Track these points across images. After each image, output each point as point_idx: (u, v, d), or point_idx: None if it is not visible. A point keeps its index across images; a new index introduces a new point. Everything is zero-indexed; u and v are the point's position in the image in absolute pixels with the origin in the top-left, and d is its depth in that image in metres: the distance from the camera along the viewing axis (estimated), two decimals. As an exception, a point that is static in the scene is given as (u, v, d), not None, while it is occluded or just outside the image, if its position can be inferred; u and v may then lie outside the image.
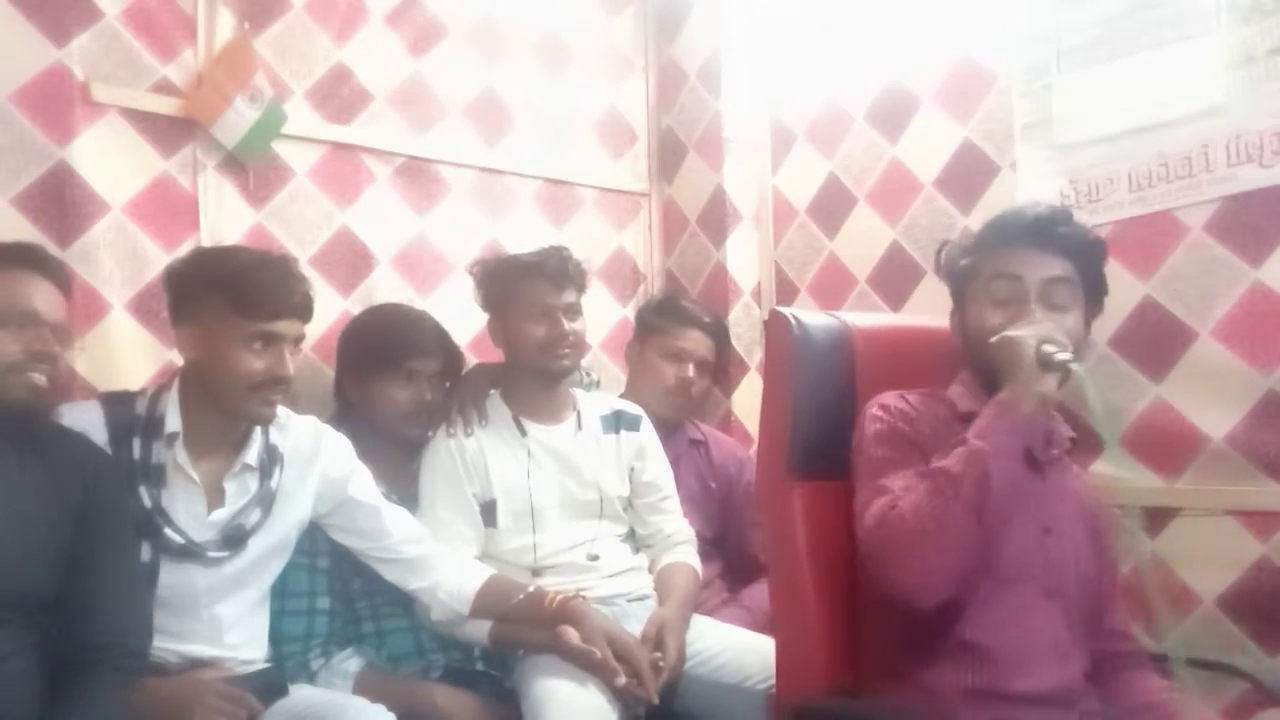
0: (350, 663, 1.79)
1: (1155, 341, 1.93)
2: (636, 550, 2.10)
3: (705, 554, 2.18)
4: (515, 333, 2.02)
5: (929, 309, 2.20)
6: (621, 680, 1.71)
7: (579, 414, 2.09)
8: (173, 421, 1.62)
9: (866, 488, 1.48)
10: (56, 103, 1.91)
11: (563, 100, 2.69)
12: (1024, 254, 1.48)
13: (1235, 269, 1.84)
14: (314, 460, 1.75)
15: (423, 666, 1.87)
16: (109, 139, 1.98)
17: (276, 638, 1.76)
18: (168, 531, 1.58)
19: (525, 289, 2.01)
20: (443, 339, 2.11)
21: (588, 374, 2.36)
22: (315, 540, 1.81)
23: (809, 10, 2.60)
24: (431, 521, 1.91)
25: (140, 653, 1.52)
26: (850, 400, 1.60)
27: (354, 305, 2.26)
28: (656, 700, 1.73)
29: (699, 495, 2.32)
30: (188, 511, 1.62)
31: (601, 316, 2.66)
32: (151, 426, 1.62)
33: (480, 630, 1.82)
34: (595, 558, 1.99)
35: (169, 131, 2.06)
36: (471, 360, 2.22)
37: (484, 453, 1.98)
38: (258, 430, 1.70)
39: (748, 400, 2.64)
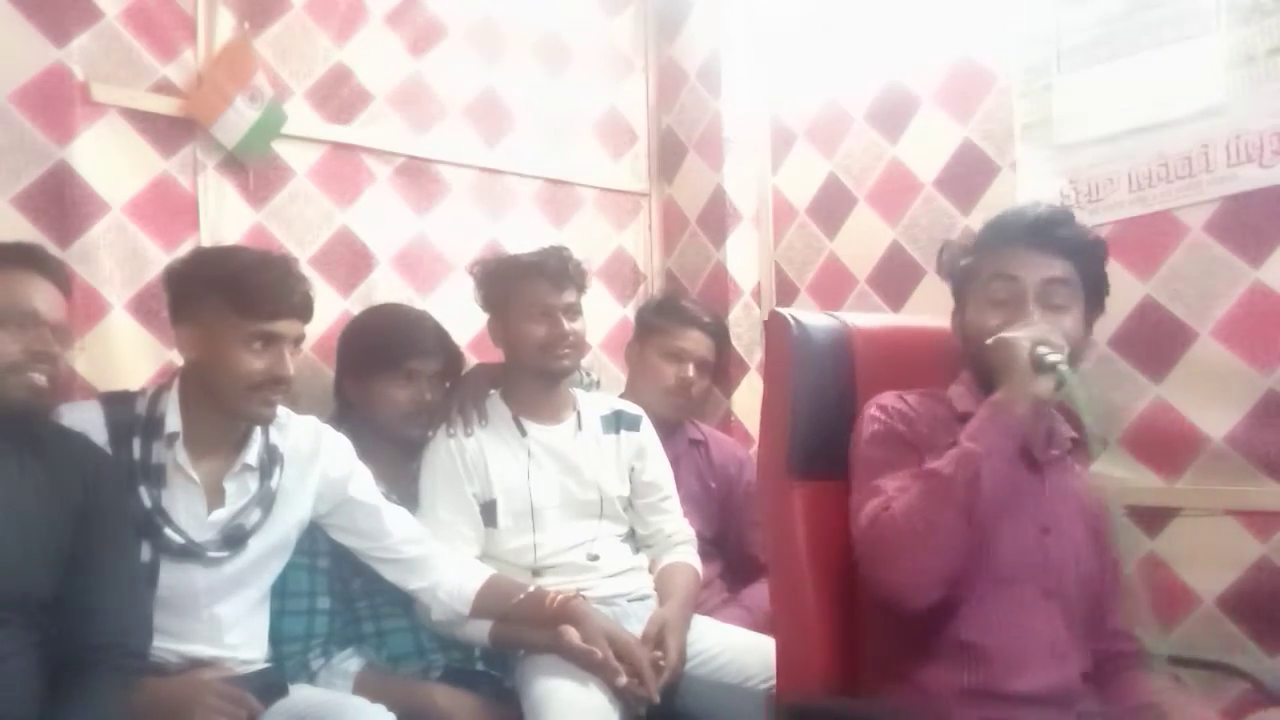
0: (350, 663, 1.79)
1: (1155, 341, 1.93)
2: (637, 550, 2.10)
3: (705, 554, 2.18)
4: (515, 333, 2.02)
5: (929, 309, 2.20)
6: (622, 680, 1.71)
7: (579, 414, 2.09)
8: (173, 421, 1.62)
9: (861, 488, 1.49)
10: (56, 103, 1.91)
11: (563, 100, 2.69)
12: (1023, 255, 1.48)
13: (1235, 269, 1.84)
14: (314, 460, 1.75)
15: (423, 666, 1.87)
16: (109, 139, 1.98)
17: (276, 638, 1.76)
18: (168, 531, 1.58)
19: (525, 289, 2.01)
20: (443, 339, 2.11)
21: (588, 374, 2.36)
22: (315, 540, 1.81)
23: (809, 10, 2.60)
24: (431, 521, 1.91)
25: (140, 653, 1.52)
26: (850, 400, 1.60)
27: (354, 305, 2.26)
28: (657, 699, 1.73)
29: (699, 495, 2.32)
30: (188, 511, 1.62)
31: (601, 316, 2.66)
32: (151, 426, 1.62)
33: (480, 630, 1.82)
34: (595, 558, 1.99)
35: (169, 131, 2.06)
36: (471, 360, 2.22)
37: (484, 453, 1.98)
38: (258, 430, 1.69)
39: (748, 400, 2.64)
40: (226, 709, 1.49)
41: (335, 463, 1.78)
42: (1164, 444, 1.91)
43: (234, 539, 1.64)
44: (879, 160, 2.43)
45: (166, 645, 1.58)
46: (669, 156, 2.87)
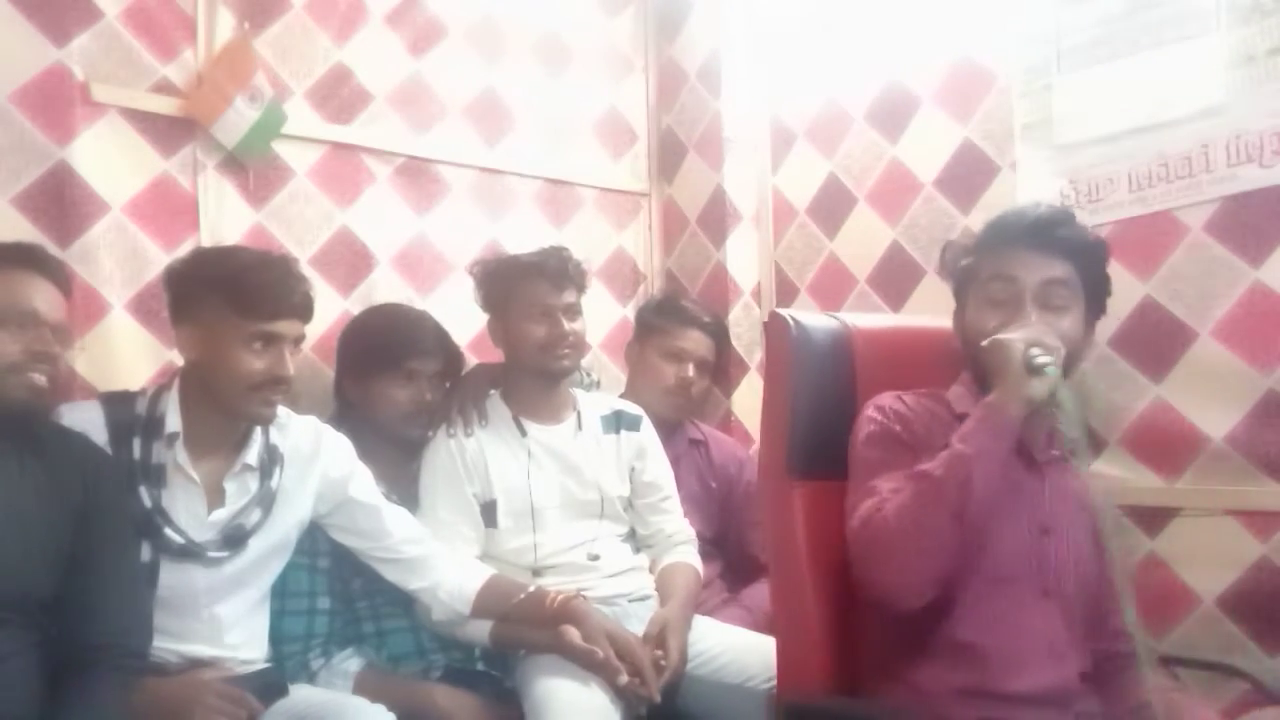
0: (350, 663, 1.79)
1: (1155, 341, 1.93)
2: (637, 550, 2.10)
3: (705, 554, 2.18)
4: (515, 333, 2.01)
5: (929, 309, 2.21)
6: (624, 679, 1.71)
7: (579, 414, 2.09)
8: (173, 421, 1.62)
9: (857, 489, 1.49)
10: (56, 103, 1.91)
11: (563, 100, 2.69)
12: (1022, 256, 1.48)
13: (1235, 269, 1.84)
14: (314, 460, 1.75)
15: (423, 666, 1.87)
16: (109, 139, 1.98)
17: (277, 638, 1.76)
18: (168, 531, 1.58)
19: (525, 289, 2.01)
20: (443, 339, 2.11)
21: (588, 374, 2.36)
22: (316, 540, 1.81)
23: (809, 10, 2.60)
24: (432, 521, 1.91)
25: (140, 653, 1.52)
26: (850, 400, 1.60)
27: (354, 305, 2.26)
28: (658, 698, 1.73)
29: (699, 495, 2.32)
30: (188, 511, 1.62)
31: (601, 316, 2.66)
32: (152, 426, 1.62)
33: (481, 630, 1.82)
34: (596, 558, 1.99)
35: (169, 131, 2.06)
36: (471, 360, 2.22)
37: (484, 453, 1.98)
38: (258, 430, 1.69)
39: (748, 400, 2.64)
40: (226, 709, 1.49)
41: (335, 463, 1.78)
42: (1164, 444, 1.91)
43: (234, 539, 1.64)
44: (879, 160, 2.43)
45: (166, 645, 1.58)
46: (669, 156, 2.87)
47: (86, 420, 1.59)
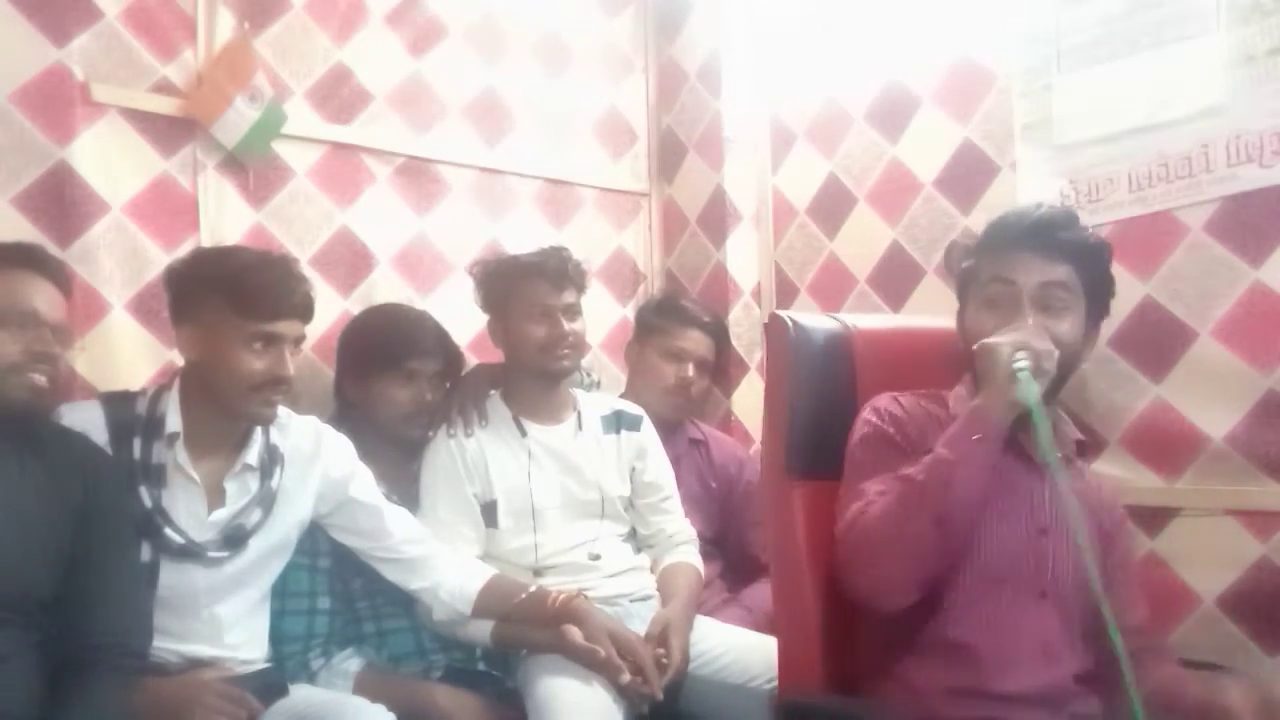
0: (350, 663, 1.79)
1: (1155, 341, 1.92)
2: (638, 550, 2.10)
3: (706, 554, 2.17)
4: (515, 333, 2.02)
5: (929, 309, 2.21)
6: (626, 677, 1.71)
7: (579, 414, 2.09)
8: (173, 421, 1.62)
9: (848, 491, 1.50)
10: (56, 103, 1.91)
11: (563, 100, 2.69)
12: (1022, 258, 1.47)
13: (1235, 269, 1.84)
14: (315, 460, 1.75)
15: (424, 667, 1.87)
16: (109, 139, 1.98)
17: (277, 638, 1.76)
18: (168, 531, 1.58)
19: (525, 289, 2.01)
20: (443, 339, 2.11)
21: (588, 374, 2.36)
22: (316, 540, 1.81)
23: (809, 10, 2.60)
24: (432, 522, 1.91)
25: (140, 653, 1.52)
26: (850, 401, 1.60)
27: (354, 305, 2.25)
28: (661, 696, 1.73)
29: (699, 495, 2.32)
30: (188, 511, 1.62)
31: (601, 316, 2.66)
32: (152, 426, 1.62)
33: (482, 630, 1.82)
34: (597, 557, 1.99)
35: (169, 131, 2.05)
36: (471, 360, 2.22)
37: (484, 453, 1.98)
38: (258, 430, 1.69)
39: (748, 400, 2.64)
40: (226, 709, 1.49)
41: (336, 463, 1.78)
42: (1164, 444, 1.91)
43: (234, 539, 1.64)
44: (879, 160, 2.43)
45: (167, 645, 1.58)
46: (669, 156, 2.87)
47: (87, 420, 1.59)
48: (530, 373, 2.03)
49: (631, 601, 1.96)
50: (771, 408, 1.64)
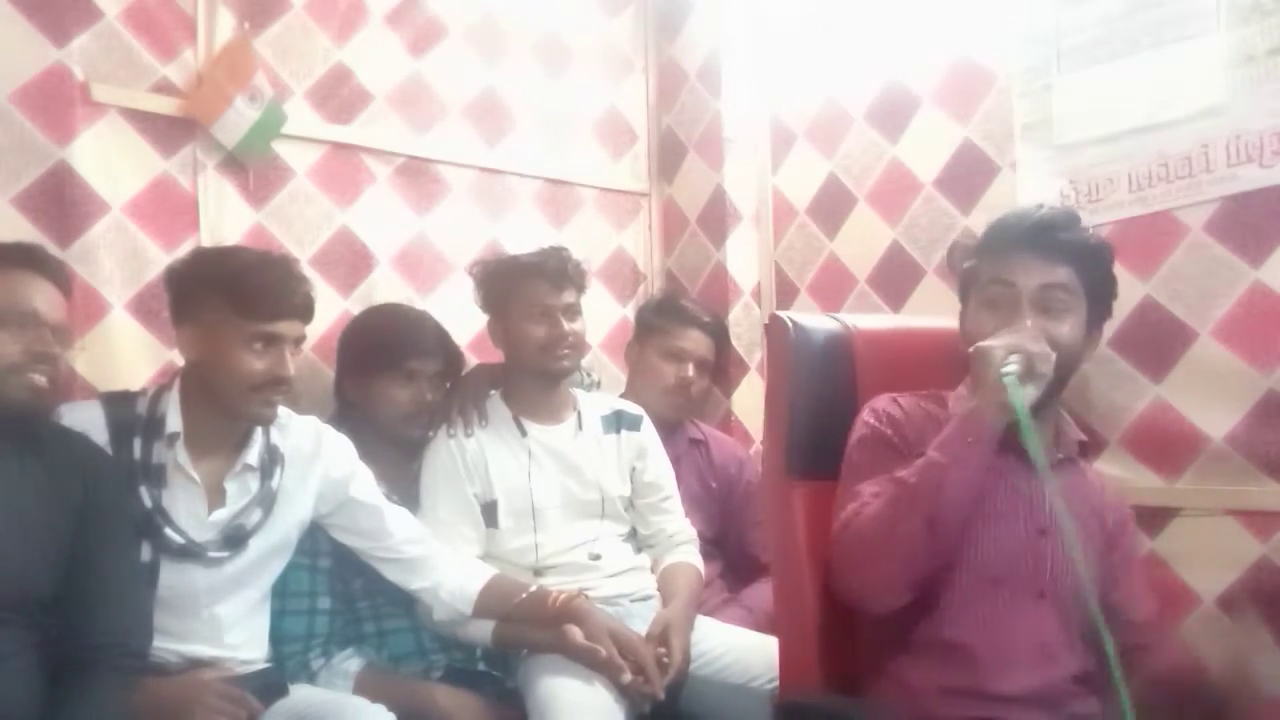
0: (351, 663, 1.79)
1: (1155, 341, 1.92)
2: (638, 550, 2.10)
3: (706, 554, 2.17)
4: (515, 333, 2.02)
5: (929, 309, 2.21)
6: (627, 677, 1.71)
7: (579, 414, 2.09)
8: (173, 421, 1.62)
9: (844, 492, 1.50)
10: (56, 103, 1.91)
11: (563, 100, 2.69)
12: (1022, 259, 1.46)
13: (1235, 269, 1.84)
14: (315, 460, 1.75)
15: (424, 667, 1.87)
16: (109, 139, 1.98)
17: (277, 638, 1.76)
18: (168, 531, 1.58)
19: (525, 289, 2.01)
20: (443, 339, 2.11)
21: (588, 374, 2.36)
22: (316, 540, 1.81)
23: (809, 10, 2.60)
24: (433, 522, 1.91)
25: (140, 653, 1.52)
26: (850, 401, 1.60)
27: (354, 305, 2.25)
28: (662, 696, 1.73)
29: (699, 495, 2.32)
30: (188, 511, 1.62)
31: (601, 316, 2.66)
32: (152, 426, 1.62)
33: (483, 630, 1.82)
34: (597, 557, 1.99)
35: (169, 131, 2.05)
36: (471, 360, 2.22)
37: (484, 453, 1.98)
38: (258, 430, 1.70)
39: (748, 400, 2.64)
40: (226, 709, 1.49)
41: (336, 463, 1.78)
42: (1164, 444, 1.91)
43: (234, 539, 1.64)
44: (879, 160, 2.43)
45: (167, 645, 1.58)
46: (669, 156, 2.87)
47: (87, 420, 1.59)
48: (530, 373, 2.03)
49: (632, 601, 1.96)
50: (772, 408, 1.65)
